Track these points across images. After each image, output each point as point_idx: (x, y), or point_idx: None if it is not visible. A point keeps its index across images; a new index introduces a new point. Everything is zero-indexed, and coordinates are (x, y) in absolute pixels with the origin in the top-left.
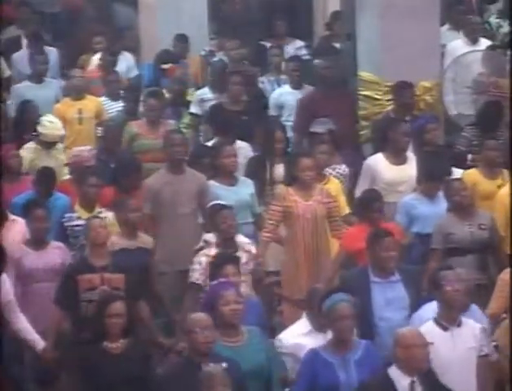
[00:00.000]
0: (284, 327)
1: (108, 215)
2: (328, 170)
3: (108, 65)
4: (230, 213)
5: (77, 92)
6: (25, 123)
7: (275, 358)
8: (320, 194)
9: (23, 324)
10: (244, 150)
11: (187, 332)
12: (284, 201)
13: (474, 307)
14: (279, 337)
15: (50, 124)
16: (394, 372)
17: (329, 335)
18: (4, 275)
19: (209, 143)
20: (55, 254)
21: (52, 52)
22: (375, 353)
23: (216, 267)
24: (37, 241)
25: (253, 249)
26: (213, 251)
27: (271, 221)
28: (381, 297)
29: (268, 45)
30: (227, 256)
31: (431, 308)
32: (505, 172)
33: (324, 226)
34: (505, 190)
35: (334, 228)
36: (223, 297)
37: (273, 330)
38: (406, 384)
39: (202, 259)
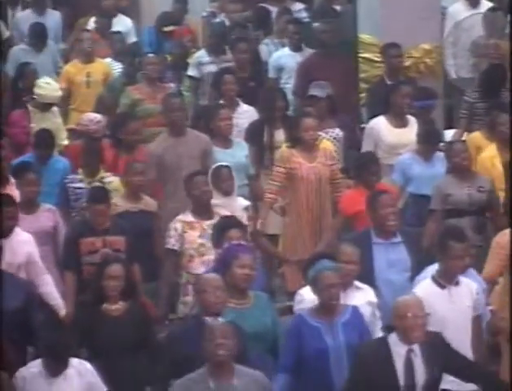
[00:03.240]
0: (284, 289)
1: (114, 180)
2: (321, 134)
3: (103, 28)
4: (203, 178)
5: (86, 56)
6: (23, 86)
7: (279, 321)
8: (323, 155)
9: (48, 287)
10: (249, 113)
11: (199, 292)
12: (288, 163)
13: (471, 270)
14: (299, 292)
15: (47, 85)
16: (392, 339)
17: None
18: (29, 236)
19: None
20: (46, 217)
21: (55, 15)
22: (361, 316)
23: (220, 231)
24: (27, 205)
25: (251, 212)
26: (188, 217)
27: (274, 183)
28: (384, 259)
29: (270, 7)
30: (231, 220)
31: (433, 270)
32: None
33: (327, 187)
34: (486, 153)
35: (335, 190)
36: (240, 259)
37: (273, 292)
38: (403, 352)
39: (177, 225)
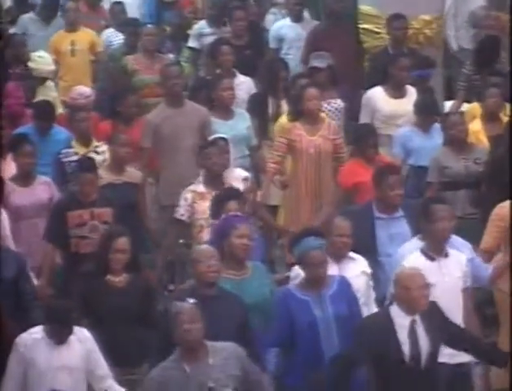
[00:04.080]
0: (284, 260)
1: (106, 148)
2: (323, 104)
3: (93, 0)
4: (217, 149)
5: (70, 24)
6: (11, 57)
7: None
8: (327, 129)
9: None
10: (246, 84)
11: (193, 264)
12: (290, 134)
13: (457, 238)
14: (295, 267)
15: (40, 59)
16: (394, 311)
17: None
18: (1, 209)
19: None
20: (42, 190)
21: None
22: (349, 286)
23: (219, 203)
24: (24, 177)
25: (250, 182)
26: (200, 187)
27: (276, 153)
28: (385, 233)
29: None
30: (230, 192)
31: (413, 244)
32: (508, 106)
33: (328, 162)
34: (471, 128)
35: (339, 164)
36: (238, 229)
37: (272, 263)
38: (406, 323)
39: (188, 195)
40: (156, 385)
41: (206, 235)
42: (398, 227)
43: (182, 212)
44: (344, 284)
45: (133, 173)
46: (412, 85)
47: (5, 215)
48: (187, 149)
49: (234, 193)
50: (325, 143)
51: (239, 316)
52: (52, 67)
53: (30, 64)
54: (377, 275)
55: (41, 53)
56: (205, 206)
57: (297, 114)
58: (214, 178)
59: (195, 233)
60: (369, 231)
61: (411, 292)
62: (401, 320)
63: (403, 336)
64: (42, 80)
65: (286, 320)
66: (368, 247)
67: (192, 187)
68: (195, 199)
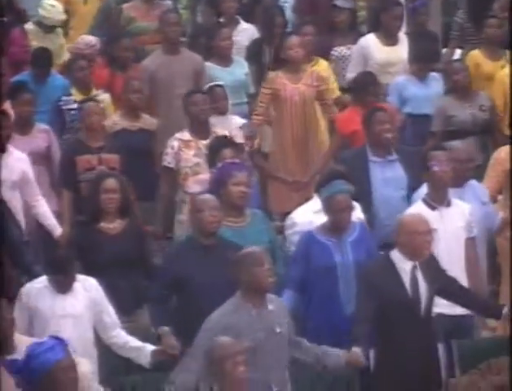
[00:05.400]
0: (271, 206)
1: (105, 97)
2: (343, 50)
3: None
4: (202, 97)
5: None
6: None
7: (276, 238)
8: (310, 77)
9: (43, 208)
10: (248, 31)
11: (195, 212)
12: (273, 84)
13: (475, 183)
14: (290, 216)
15: (51, 8)
16: (395, 256)
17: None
18: (24, 155)
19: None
20: (41, 138)
21: None
22: (369, 233)
23: (214, 151)
24: (22, 125)
25: (247, 130)
26: (186, 135)
27: (261, 104)
28: (380, 176)
29: None
30: (224, 140)
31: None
32: (508, 53)
33: (313, 109)
34: (505, 70)
35: (326, 111)
36: (236, 177)
37: (269, 212)
38: (408, 268)
39: (174, 143)
40: (221, 328)
41: (191, 183)
42: (392, 170)
43: (169, 160)
44: (364, 231)
45: (148, 120)
46: (410, 17)
47: (22, 157)
48: (181, 96)
49: (228, 141)
50: (309, 90)
51: None
52: (63, 16)
53: (40, 12)
54: (372, 219)
55: (52, 1)
56: (189, 154)
57: (279, 63)
58: (200, 126)
59: (180, 181)
60: (364, 174)
61: (415, 238)
62: (402, 265)
63: (405, 280)
64: (52, 28)
65: (305, 262)
66: (363, 190)
67: (177, 135)
68: (181, 147)
